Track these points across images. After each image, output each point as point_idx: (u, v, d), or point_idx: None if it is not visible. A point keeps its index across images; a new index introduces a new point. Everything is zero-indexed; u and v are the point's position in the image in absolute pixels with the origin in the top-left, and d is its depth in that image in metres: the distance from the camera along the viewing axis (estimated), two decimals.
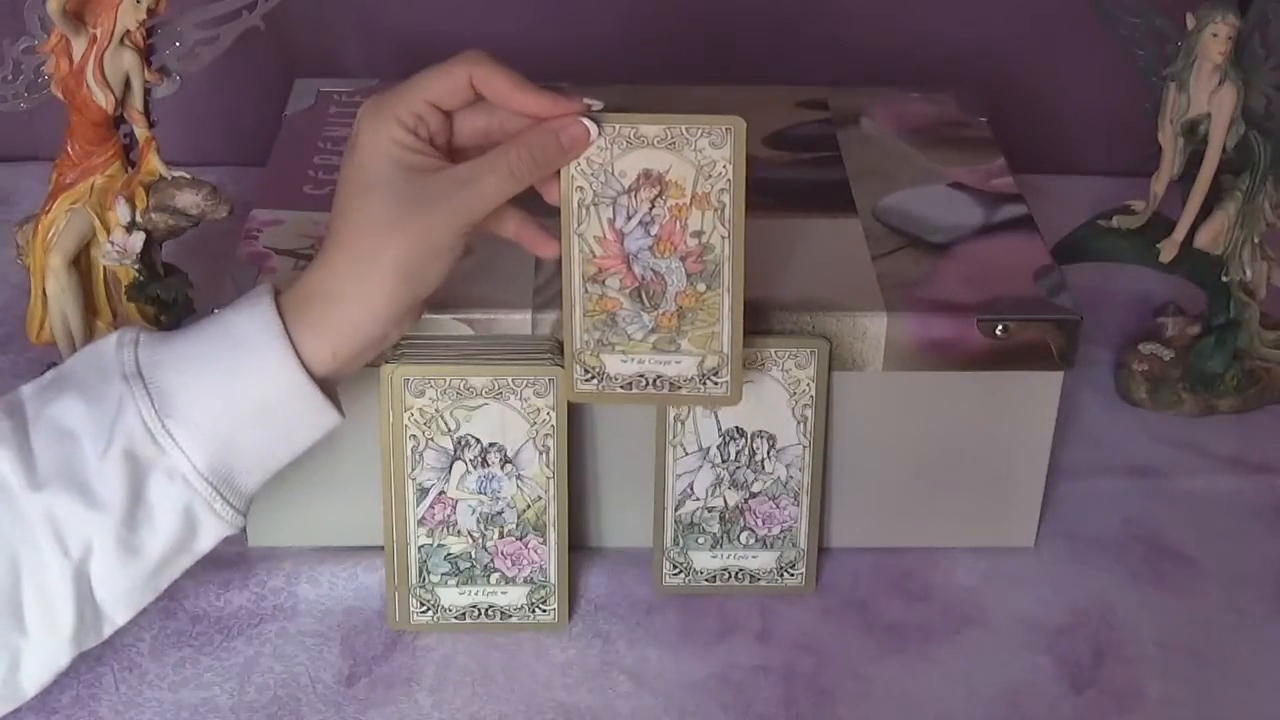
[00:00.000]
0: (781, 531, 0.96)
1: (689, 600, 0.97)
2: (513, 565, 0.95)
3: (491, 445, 0.92)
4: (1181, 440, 1.11)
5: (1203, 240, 1.09)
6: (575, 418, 0.94)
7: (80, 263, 1.05)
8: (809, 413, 0.93)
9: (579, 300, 0.85)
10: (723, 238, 0.85)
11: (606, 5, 1.36)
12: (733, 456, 0.94)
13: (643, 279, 0.85)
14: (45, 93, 1.03)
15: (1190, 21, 1.03)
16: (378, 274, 0.76)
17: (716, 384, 0.87)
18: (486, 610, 0.95)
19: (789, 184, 1.07)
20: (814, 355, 0.92)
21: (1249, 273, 1.09)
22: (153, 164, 1.05)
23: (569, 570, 0.95)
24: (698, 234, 0.85)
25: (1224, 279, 1.10)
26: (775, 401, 0.93)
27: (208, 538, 0.76)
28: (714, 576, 0.97)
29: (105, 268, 1.05)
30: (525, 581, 0.95)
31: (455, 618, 0.95)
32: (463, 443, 0.92)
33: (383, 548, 0.94)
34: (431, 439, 0.92)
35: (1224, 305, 1.11)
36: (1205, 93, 1.04)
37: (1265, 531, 1.04)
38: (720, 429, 0.93)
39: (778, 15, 1.36)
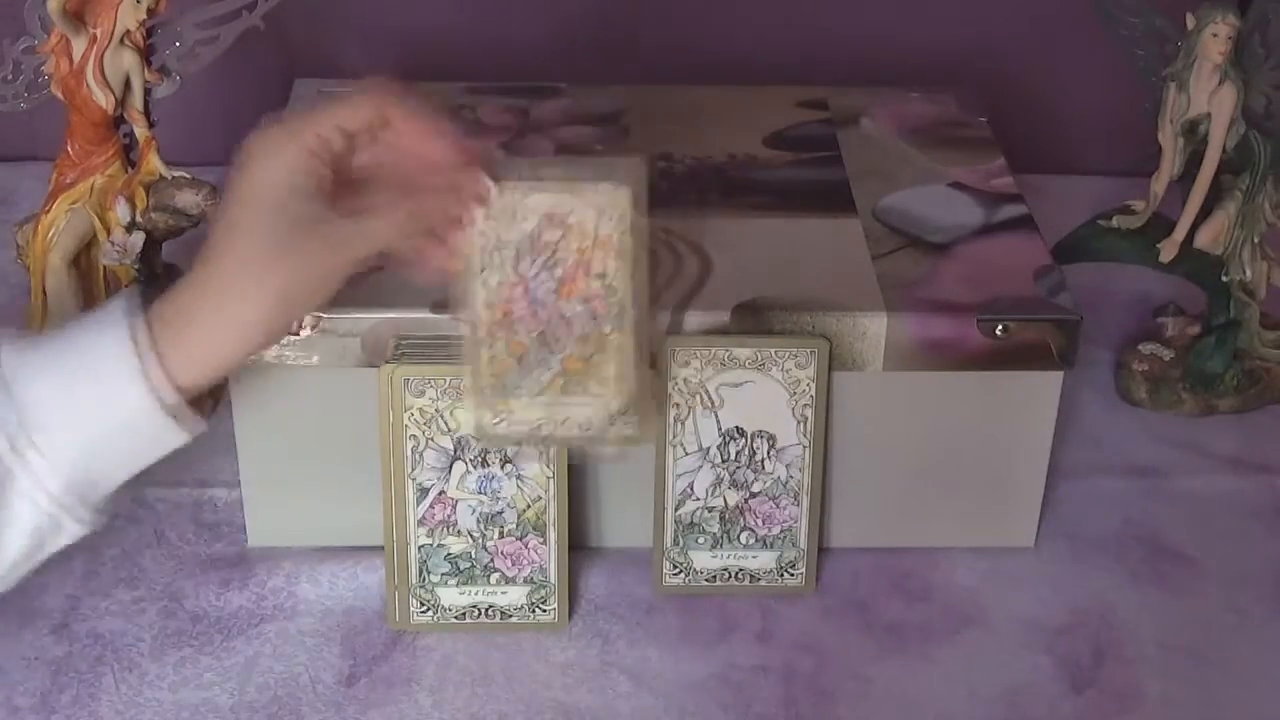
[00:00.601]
0: (781, 531, 0.96)
1: (689, 600, 0.97)
2: (513, 565, 0.95)
3: None
4: (1181, 440, 1.11)
5: (1203, 240, 1.09)
6: None
7: (80, 263, 1.05)
8: (809, 413, 0.93)
9: (485, 345, 0.85)
10: (626, 279, 0.85)
11: (606, 5, 1.36)
12: (733, 456, 0.94)
13: (548, 323, 0.85)
14: (45, 93, 1.03)
15: (1190, 21, 1.03)
16: (258, 298, 0.74)
17: (625, 424, 0.87)
18: (486, 610, 0.95)
19: (789, 184, 1.07)
20: (814, 355, 0.92)
21: (1249, 273, 1.09)
22: (153, 164, 1.05)
23: (569, 570, 0.95)
24: (601, 276, 0.85)
25: (1224, 279, 1.10)
26: (775, 401, 0.93)
27: (66, 538, 0.75)
28: (714, 576, 0.97)
29: (105, 268, 1.05)
30: (525, 581, 0.95)
31: (455, 618, 0.95)
32: (463, 443, 0.92)
33: (383, 548, 0.94)
34: (431, 439, 0.92)
35: (1224, 305, 1.11)
36: (1205, 93, 1.04)
37: (1265, 531, 1.04)
38: (720, 429, 0.93)
39: (778, 15, 1.36)
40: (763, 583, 0.97)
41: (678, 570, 0.97)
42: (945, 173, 1.09)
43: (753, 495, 0.95)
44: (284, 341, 0.92)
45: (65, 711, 0.89)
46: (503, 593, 0.95)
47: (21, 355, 0.74)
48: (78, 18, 0.99)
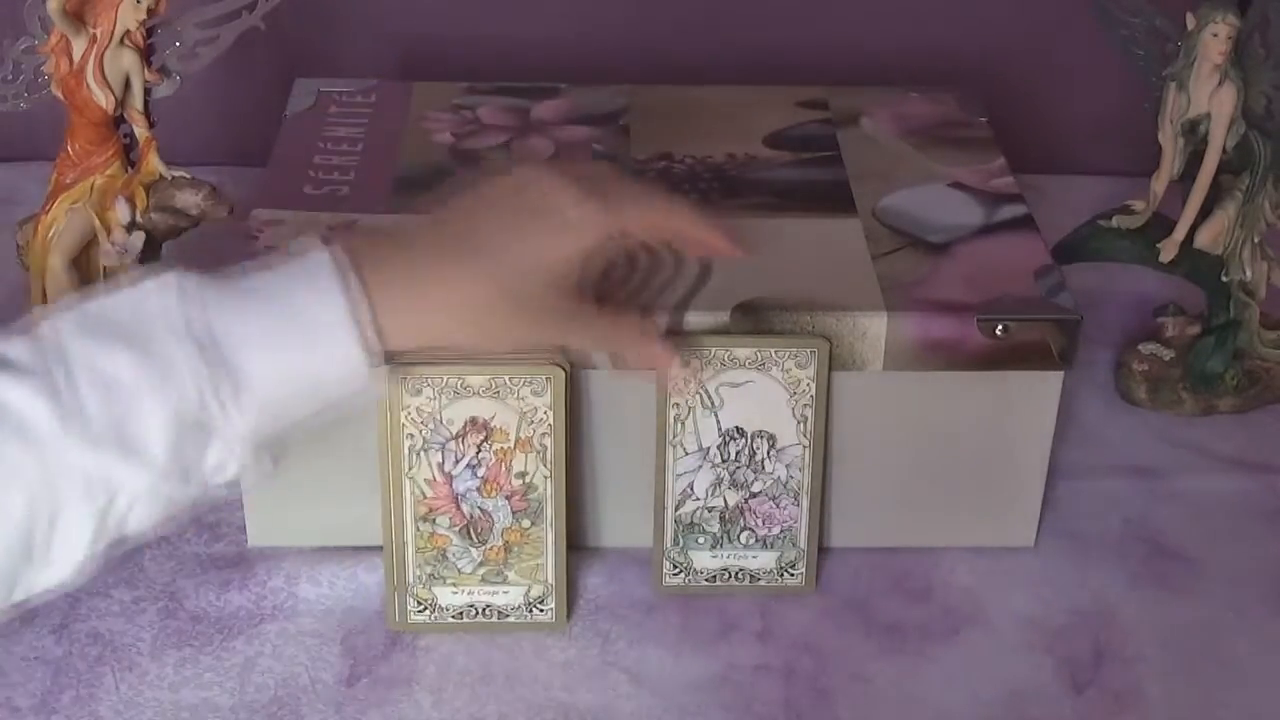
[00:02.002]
0: (781, 531, 0.96)
1: (689, 600, 0.97)
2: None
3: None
4: (1181, 440, 1.11)
5: (1203, 240, 1.09)
6: (574, 417, 0.94)
7: (80, 263, 1.05)
8: (809, 412, 0.93)
9: (411, 537, 0.93)
10: (545, 478, 0.92)
11: (606, 5, 1.36)
12: (733, 456, 0.94)
13: (470, 517, 0.93)
14: (45, 93, 1.03)
15: (1190, 21, 1.03)
16: (478, 324, 0.77)
17: (542, 611, 0.95)
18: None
19: (789, 184, 1.07)
20: (814, 355, 0.92)
21: (1249, 273, 1.09)
22: (153, 164, 1.05)
23: (568, 570, 0.95)
24: (521, 475, 0.93)
25: (1224, 279, 1.10)
26: (775, 401, 0.93)
27: (240, 487, 0.76)
28: (714, 576, 0.97)
29: (105, 268, 1.05)
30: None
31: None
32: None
33: (382, 548, 0.94)
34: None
35: (1224, 305, 1.11)
36: (1205, 93, 1.04)
37: (1265, 531, 1.04)
38: (720, 429, 0.93)
39: (777, 15, 1.36)
40: (762, 582, 0.97)
41: (678, 570, 0.97)
42: (945, 173, 1.09)
43: (753, 495, 0.95)
44: None
45: (65, 711, 0.89)
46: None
47: (219, 306, 0.73)
48: (78, 18, 0.99)
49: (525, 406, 0.91)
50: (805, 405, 0.93)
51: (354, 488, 0.96)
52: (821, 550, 0.98)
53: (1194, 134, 1.06)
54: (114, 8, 0.99)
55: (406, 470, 0.92)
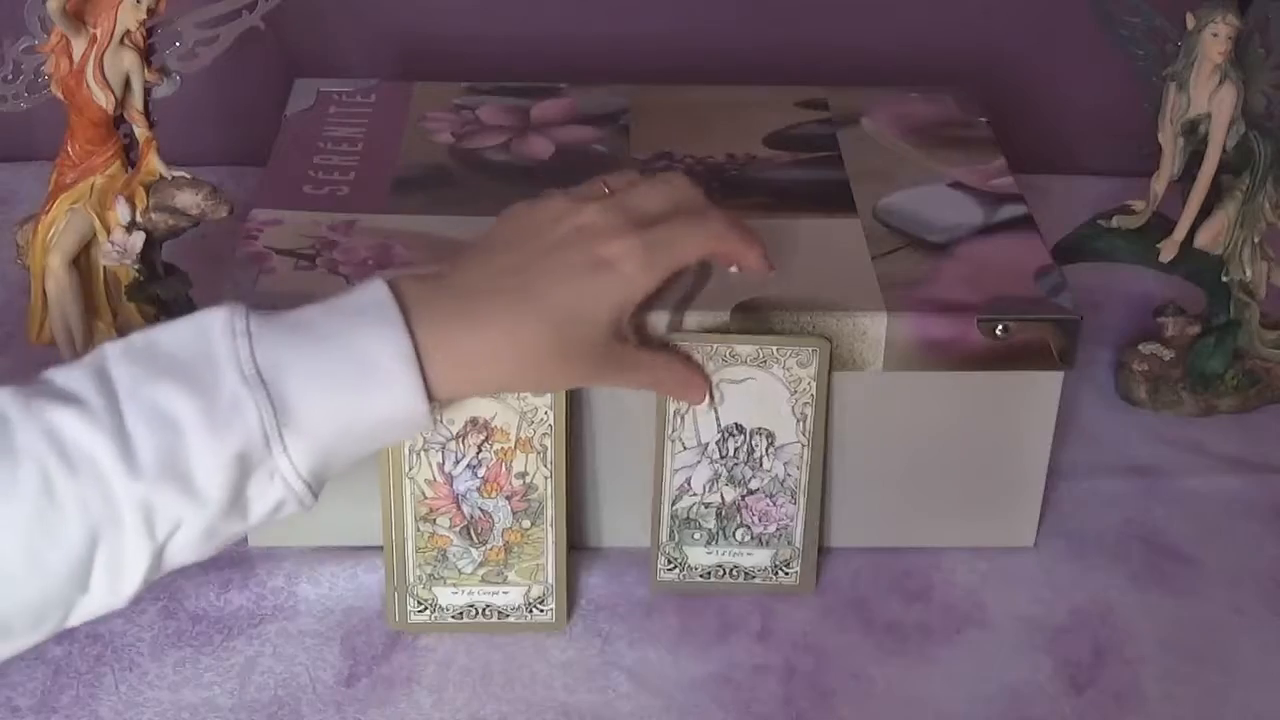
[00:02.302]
0: (777, 530, 0.96)
1: (688, 600, 0.97)
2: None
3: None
4: (1181, 440, 1.11)
5: (1203, 240, 1.09)
6: (574, 417, 0.94)
7: (80, 263, 1.05)
8: (809, 411, 0.93)
9: (411, 537, 0.93)
10: (545, 478, 0.93)
11: (606, 5, 1.36)
12: (731, 453, 0.94)
13: (471, 518, 0.93)
14: (45, 93, 1.03)
15: (1190, 21, 1.03)
16: (523, 375, 0.80)
17: (542, 611, 0.95)
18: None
19: (789, 184, 1.07)
20: (815, 354, 0.92)
21: (1249, 273, 1.09)
22: (153, 164, 1.05)
23: (568, 570, 0.95)
24: (521, 475, 0.93)
25: (1224, 279, 1.10)
26: (775, 399, 0.93)
27: (283, 517, 0.77)
28: (708, 573, 0.97)
29: (105, 268, 1.05)
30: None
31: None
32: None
33: (382, 548, 0.94)
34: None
35: (1224, 305, 1.11)
36: (1205, 93, 1.04)
37: (1265, 531, 1.04)
38: (720, 425, 0.93)
39: (777, 15, 1.36)
40: (757, 580, 0.97)
41: (672, 566, 0.97)
42: (945, 173, 1.09)
43: (750, 492, 0.95)
44: None
45: (65, 711, 0.89)
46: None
47: (279, 348, 0.73)
48: (78, 18, 0.99)
49: (525, 406, 0.91)
50: (805, 404, 0.93)
51: (354, 488, 0.95)
52: (821, 550, 0.98)
53: (1194, 134, 1.06)
54: (114, 8, 0.99)
55: (406, 470, 0.92)
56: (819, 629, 0.96)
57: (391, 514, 0.93)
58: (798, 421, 0.93)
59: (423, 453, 0.92)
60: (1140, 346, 1.15)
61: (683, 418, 0.93)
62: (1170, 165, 1.08)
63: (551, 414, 0.91)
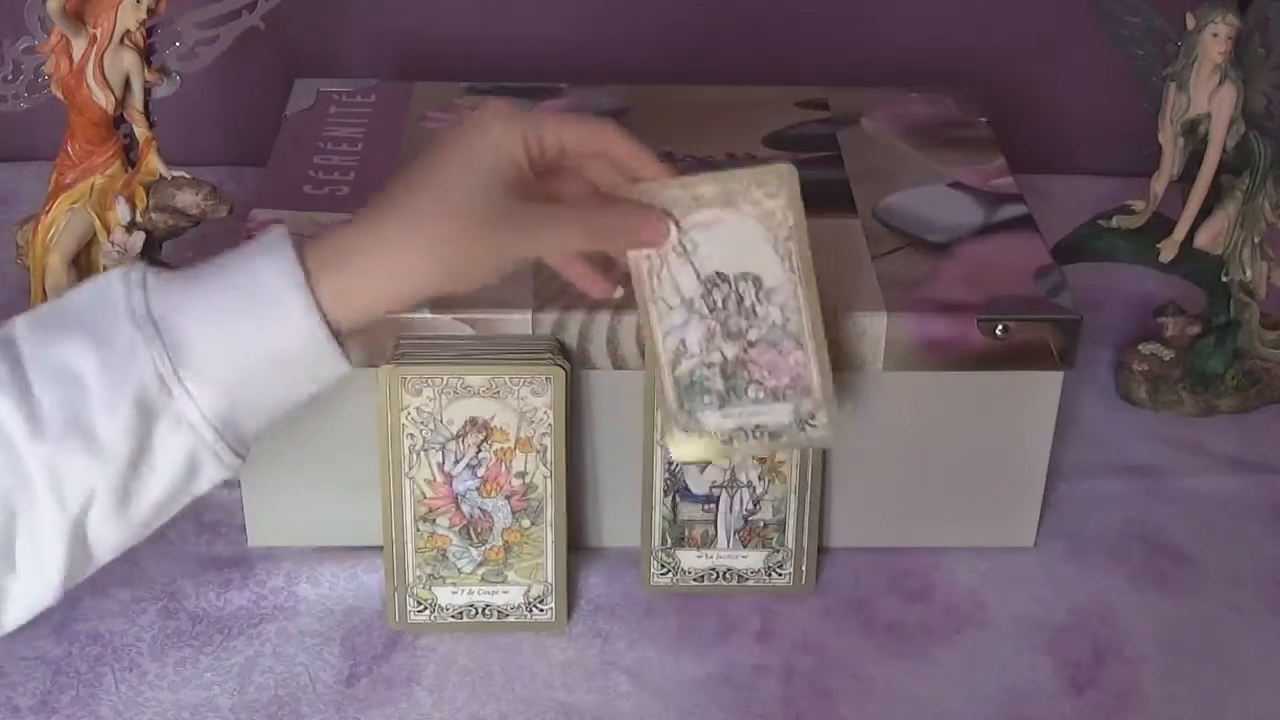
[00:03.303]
0: (791, 380, 0.85)
1: (688, 600, 0.97)
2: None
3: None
4: (1181, 440, 1.11)
5: (1203, 240, 1.09)
6: (574, 417, 0.94)
7: (80, 263, 1.05)
8: (791, 245, 0.85)
9: (411, 537, 0.93)
10: (545, 478, 0.92)
11: (607, 5, 1.36)
12: (720, 305, 0.85)
13: (470, 517, 0.93)
14: (45, 93, 1.03)
15: (1190, 21, 1.03)
16: (426, 264, 0.75)
17: (542, 611, 0.95)
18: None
19: None
20: (782, 183, 0.84)
21: (1249, 273, 1.09)
22: (153, 164, 1.05)
23: (568, 570, 0.95)
24: (521, 475, 0.92)
25: (1224, 279, 1.10)
26: (753, 239, 0.85)
27: (206, 481, 0.75)
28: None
29: (105, 268, 1.05)
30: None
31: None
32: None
33: (382, 548, 0.94)
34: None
35: (1224, 305, 1.11)
36: (1205, 93, 1.04)
37: (1265, 531, 1.04)
38: (699, 276, 0.85)
39: (777, 15, 1.36)
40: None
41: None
42: (945, 173, 1.09)
43: (751, 344, 0.85)
44: None
45: (65, 711, 0.89)
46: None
47: (170, 293, 0.73)
48: (78, 18, 0.99)
49: (525, 406, 0.91)
50: (785, 239, 0.85)
51: (354, 488, 0.96)
52: (821, 550, 0.98)
53: (1194, 134, 1.06)
54: (114, 8, 0.99)
55: (406, 470, 0.92)
56: (819, 629, 0.96)
57: (391, 514, 0.93)
58: (782, 259, 0.85)
59: (422, 452, 0.92)
60: (1140, 346, 1.15)
61: (658, 275, 0.84)
62: (1170, 165, 1.08)
63: (551, 414, 0.91)
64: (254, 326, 0.72)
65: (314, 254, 0.74)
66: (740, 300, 0.85)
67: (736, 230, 0.84)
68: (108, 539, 0.73)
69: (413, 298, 0.76)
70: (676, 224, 0.82)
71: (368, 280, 0.74)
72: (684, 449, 0.86)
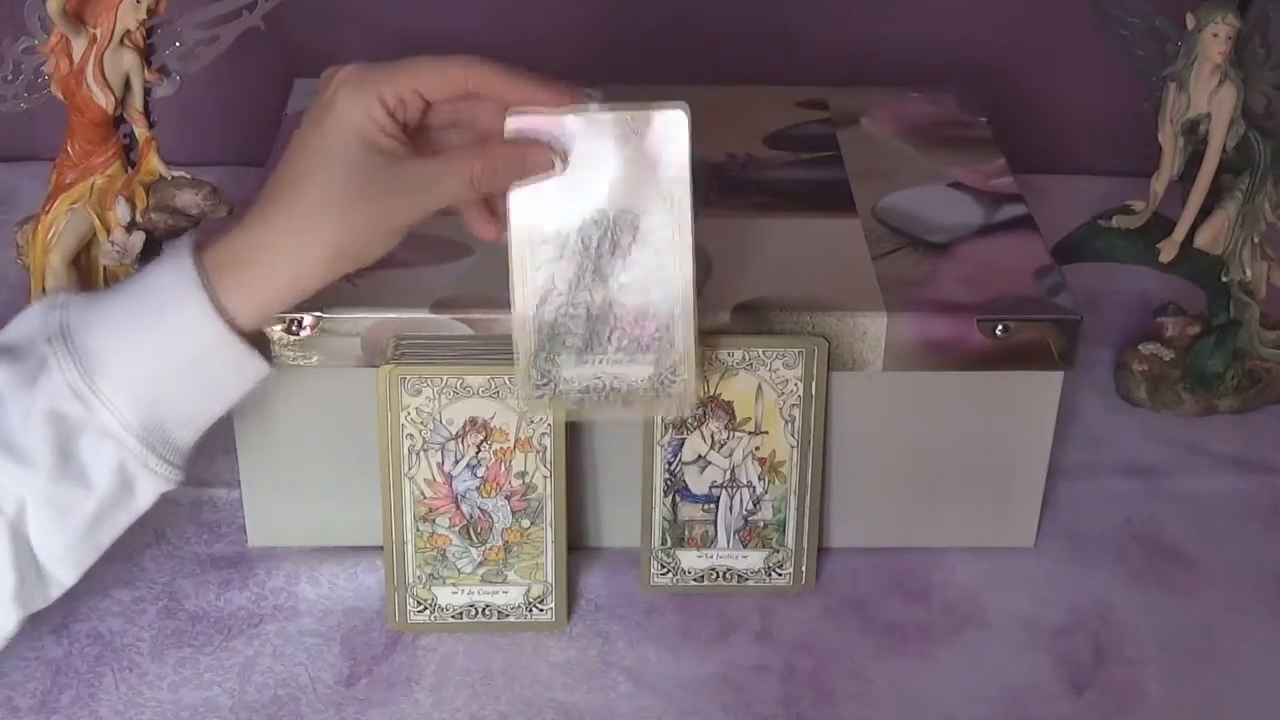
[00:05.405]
0: (656, 332, 0.84)
1: (688, 600, 0.97)
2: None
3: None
4: (1181, 440, 1.11)
5: (1203, 240, 1.09)
6: None
7: (80, 263, 1.05)
8: (675, 190, 0.83)
9: (411, 537, 0.93)
10: (544, 478, 0.92)
11: (606, 5, 1.36)
12: (595, 244, 0.83)
13: (470, 517, 0.93)
14: (45, 93, 1.03)
15: (1190, 21, 1.03)
16: (317, 249, 0.75)
17: (542, 611, 0.95)
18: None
19: (789, 184, 1.07)
20: (673, 125, 0.83)
21: (1249, 273, 1.09)
22: (153, 164, 1.05)
23: (568, 570, 0.95)
24: (521, 475, 0.92)
25: (1224, 279, 1.10)
26: (638, 178, 0.82)
27: (145, 494, 0.76)
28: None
29: (105, 268, 1.05)
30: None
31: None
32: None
33: (382, 548, 0.94)
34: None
35: (1224, 305, 1.11)
36: (1205, 93, 1.04)
37: (1265, 531, 1.04)
38: (578, 214, 0.82)
39: (777, 15, 1.36)
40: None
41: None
42: (945, 173, 1.09)
43: (621, 287, 0.83)
44: (284, 341, 0.92)
45: (65, 711, 0.89)
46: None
47: (84, 307, 0.75)
48: (78, 18, 0.99)
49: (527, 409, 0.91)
50: (670, 180, 0.83)
51: (354, 488, 0.96)
52: (821, 550, 0.98)
53: (1194, 134, 1.06)
54: (114, 8, 0.99)
55: (406, 470, 0.92)
56: (819, 629, 0.96)
57: (391, 514, 0.93)
58: (663, 199, 0.83)
59: (422, 452, 0.92)
60: (1140, 346, 1.15)
61: (534, 210, 0.81)
62: (1170, 165, 1.08)
63: (550, 414, 0.91)
64: (159, 331, 0.74)
65: (210, 257, 0.75)
66: (615, 242, 0.83)
67: (620, 169, 0.82)
68: (55, 552, 0.75)
69: (313, 286, 0.77)
70: (561, 156, 0.80)
71: (264, 276, 0.76)
72: (534, 402, 0.85)
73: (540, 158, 0.79)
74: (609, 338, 0.84)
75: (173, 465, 0.76)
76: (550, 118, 0.79)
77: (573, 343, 0.84)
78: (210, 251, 0.76)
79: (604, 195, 0.82)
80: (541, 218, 0.81)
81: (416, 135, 0.78)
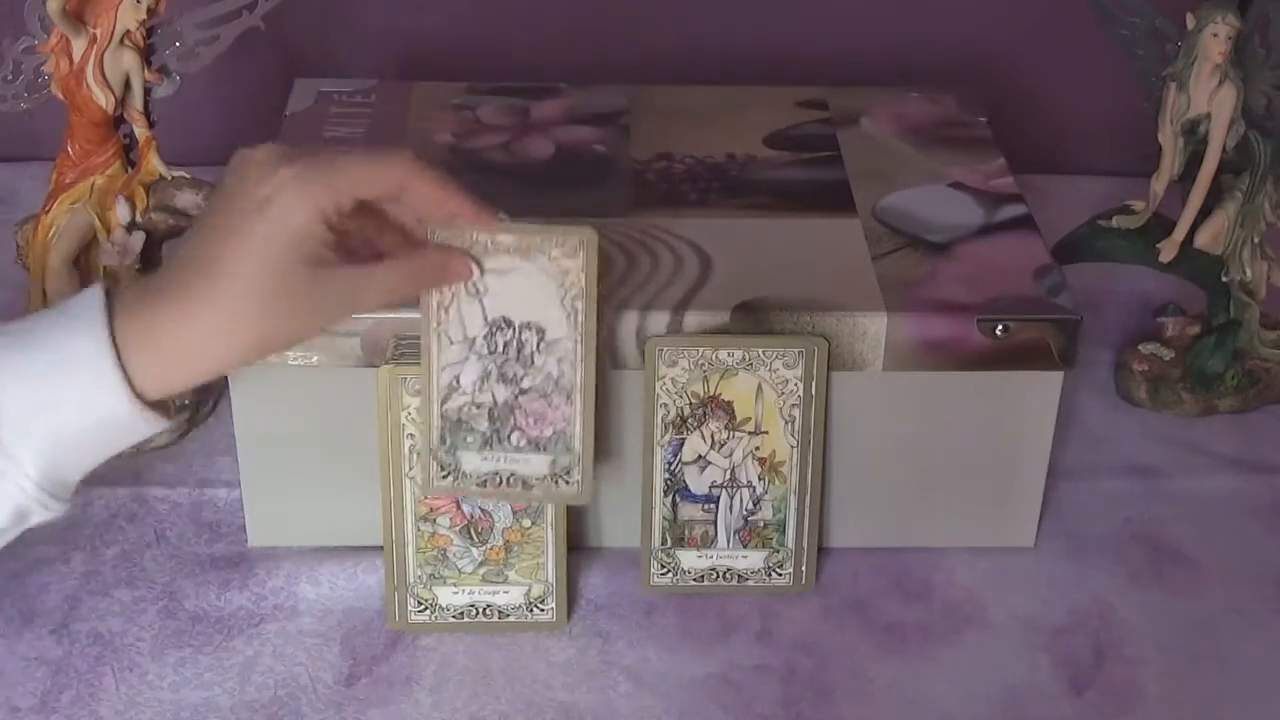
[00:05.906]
0: (554, 434, 0.88)
1: (688, 600, 0.97)
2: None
3: None
4: (1181, 440, 1.11)
5: (1203, 240, 1.09)
6: None
7: (80, 263, 1.05)
8: (579, 305, 0.86)
9: (411, 537, 0.93)
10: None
11: (606, 5, 1.36)
12: (500, 348, 0.87)
13: (471, 517, 0.93)
14: (45, 93, 1.03)
15: (1190, 21, 1.03)
16: (236, 344, 0.76)
17: (542, 611, 0.95)
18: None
19: (789, 184, 1.07)
20: (581, 247, 0.85)
21: (1249, 273, 1.09)
22: (153, 164, 1.05)
23: (568, 570, 0.95)
24: None
25: (1224, 279, 1.10)
26: (543, 293, 0.86)
27: (33, 522, 0.76)
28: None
29: (105, 267, 1.05)
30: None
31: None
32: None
33: (382, 548, 0.94)
34: None
35: (1224, 305, 1.11)
36: (1205, 93, 1.04)
37: (1265, 531, 1.04)
38: (486, 318, 0.87)
39: (777, 15, 1.36)
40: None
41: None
42: (945, 173, 1.09)
43: (523, 392, 0.88)
44: None
45: (65, 711, 0.89)
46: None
47: None
48: (78, 18, 0.99)
49: None
50: (575, 297, 0.86)
51: (354, 488, 0.96)
52: (821, 550, 0.98)
53: (1194, 134, 1.06)
54: (114, 8, 0.99)
55: (407, 470, 0.92)
56: (819, 629, 0.96)
57: (391, 514, 0.93)
58: (568, 316, 0.87)
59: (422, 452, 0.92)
60: (1140, 346, 1.15)
61: (446, 310, 0.86)
62: (1170, 165, 1.08)
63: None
64: (69, 400, 0.73)
65: (124, 327, 0.74)
66: (520, 348, 0.88)
67: (529, 281, 0.86)
68: None
69: (229, 371, 0.78)
70: (478, 264, 0.85)
71: (179, 360, 0.75)
72: (437, 486, 0.89)
73: (461, 267, 0.84)
74: (509, 436, 0.89)
75: (64, 502, 0.76)
76: (469, 232, 0.84)
77: (474, 440, 0.89)
78: (124, 319, 0.74)
79: (512, 304, 0.86)
80: (451, 320, 0.86)
81: (338, 224, 0.78)
